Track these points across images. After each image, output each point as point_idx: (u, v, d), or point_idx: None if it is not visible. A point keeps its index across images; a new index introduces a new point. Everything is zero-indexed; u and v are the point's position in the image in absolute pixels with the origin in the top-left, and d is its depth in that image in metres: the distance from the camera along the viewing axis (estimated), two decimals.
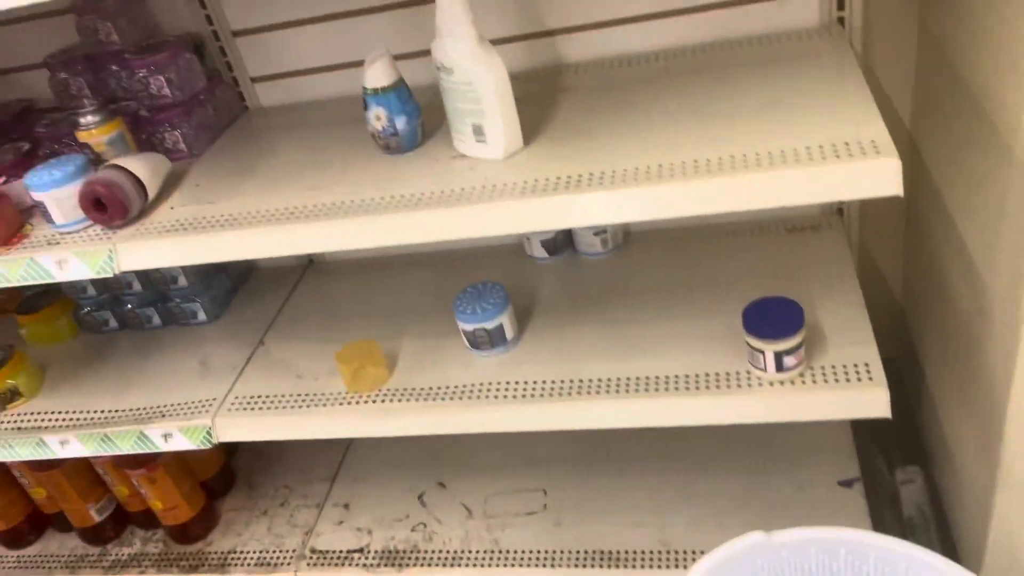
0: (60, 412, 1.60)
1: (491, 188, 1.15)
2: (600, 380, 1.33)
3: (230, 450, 2.00)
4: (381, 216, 1.16)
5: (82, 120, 1.37)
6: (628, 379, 1.31)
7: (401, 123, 1.28)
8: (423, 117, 1.32)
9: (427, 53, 1.19)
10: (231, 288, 1.81)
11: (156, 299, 1.74)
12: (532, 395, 1.34)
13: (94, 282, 1.74)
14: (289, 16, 1.56)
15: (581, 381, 1.34)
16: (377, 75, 1.25)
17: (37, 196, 1.30)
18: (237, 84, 1.65)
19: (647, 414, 1.29)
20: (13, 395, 1.63)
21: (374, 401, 1.42)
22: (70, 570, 1.85)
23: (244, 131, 1.59)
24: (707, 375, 1.28)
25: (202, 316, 1.73)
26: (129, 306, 1.74)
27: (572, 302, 1.53)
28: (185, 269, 1.68)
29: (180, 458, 1.76)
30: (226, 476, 1.95)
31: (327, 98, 1.63)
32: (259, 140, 1.54)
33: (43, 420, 1.60)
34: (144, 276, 1.71)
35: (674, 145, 1.14)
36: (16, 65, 1.73)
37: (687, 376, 1.29)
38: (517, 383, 1.37)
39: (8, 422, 1.61)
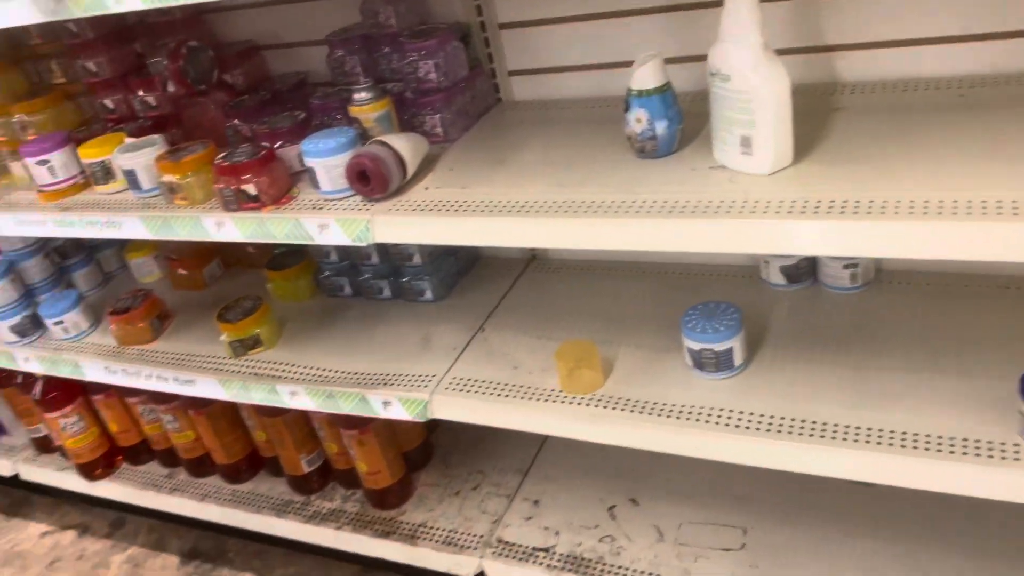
0: (293, 365, 1.72)
1: (752, 204, 1.09)
2: (835, 425, 1.23)
3: (431, 426, 2.06)
4: (632, 220, 1.14)
5: (356, 96, 1.46)
6: (869, 429, 1.20)
7: (661, 127, 1.24)
8: (683, 123, 1.28)
9: (691, 59, 1.15)
10: (458, 272, 1.86)
11: (390, 273, 1.82)
12: (756, 428, 1.26)
13: (338, 249, 1.86)
14: (556, 12, 1.57)
15: (814, 423, 1.24)
16: (645, 77, 1.22)
17: (309, 162, 1.40)
18: (494, 76, 1.68)
19: (886, 471, 1.18)
20: (255, 343, 1.77)
21: (587, 404, 1.40)
22: (276, 512, 1.98)
23: (496, 122, 1.62)
24: (964, 440, 1.15)
25: (429, 295, 1.80)
26: (366, 276, 1.84)
27: (809, 336, 1.42)
28: (421, 248, 1.75)
29: (389, 426, 1.84)
30: (425, 451, 2.01)
31: (579, 97, 1.63)
32: (511, 132, 1.56)
33: (278, 370, 1.72)
34: (383, 250, 1.80)
35: (960, 181, 1.03)
36: (297, 40, 1.88)
37: (939, 437, 1.16)
38: (741, 413, 1.30)
39: (247, 367, 1.75)
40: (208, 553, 2.24)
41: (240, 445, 2.06)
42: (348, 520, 1.91)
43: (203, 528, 2.24)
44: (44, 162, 1.66)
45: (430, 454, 2.03)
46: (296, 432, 1.92)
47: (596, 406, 1.39)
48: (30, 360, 1.97)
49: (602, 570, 1.62)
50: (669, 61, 1.36)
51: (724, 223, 1.08)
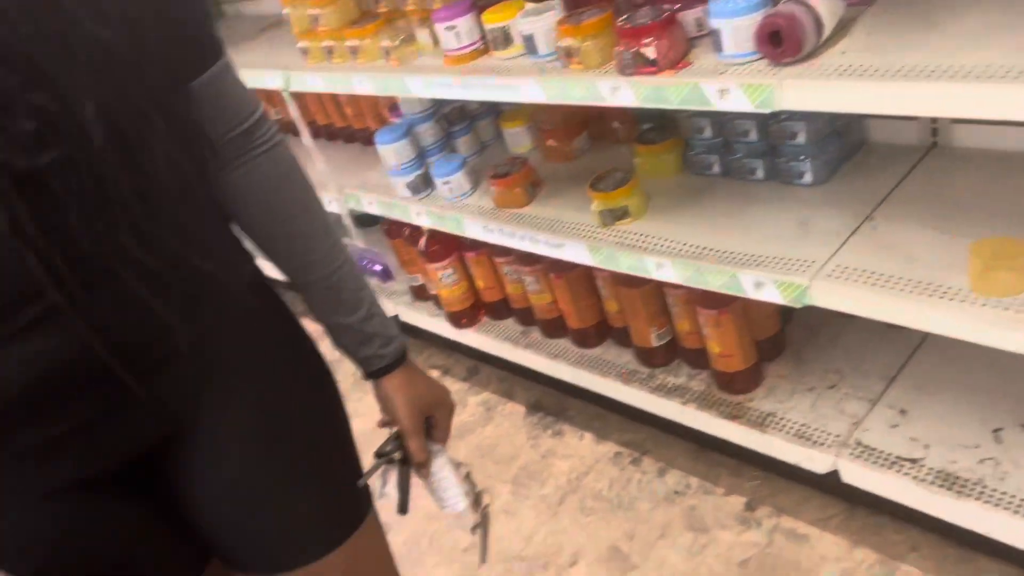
0: (659, 238, 1.73)
1: None
2: None
3: (785, 318, 1.99)
4: None
5: None
6: None
7: None
8: None
9: None
10: (841, 156, 1.72)
11: (766, 152, 1.74)
12: None
13: (712, 125, 1.80)
14: None
15: None
16: None
17: (715, 23, 1.34)
18: None
19: None
20: (624, 214, 1.80)
21: (1005, 308, 1.24)
22: (622, 380, 2.06)
23: None
24: None
25: (808, 178, 1.69)
26: (739, 155, 1.77)
27: None
28: (807, 127, 1.64)
29: (745, 311, 1.80)
30: (777, 342, 1.95)
31: None
32: None
33: (644, 241, 1.74)
34: (763, 127, 1.71)
35: None
36: None
37: None
38: None
39: (615, 236, 1.80)
40: (550, 408, 2.41)
41: (592, 312, 2.15)
42: (693, 397, 1.93)
43: (547, 385, 2.41)
44: (452, 28, 1.78)
45: (782, 347, 1.96)
46: (650, 306, 1.95)
47: (1019, 311, 1.23)
48: (421, 215, 2.21)
49: (981, 492, 1.48)
50: None
51: None
